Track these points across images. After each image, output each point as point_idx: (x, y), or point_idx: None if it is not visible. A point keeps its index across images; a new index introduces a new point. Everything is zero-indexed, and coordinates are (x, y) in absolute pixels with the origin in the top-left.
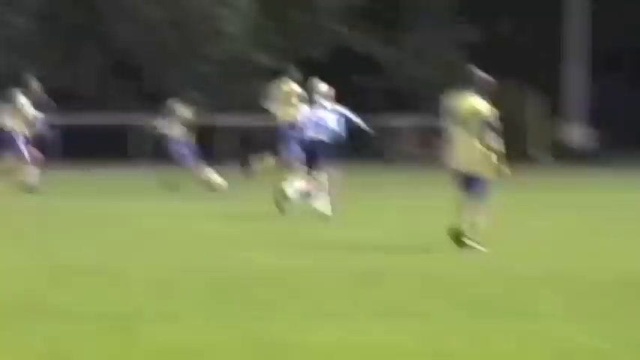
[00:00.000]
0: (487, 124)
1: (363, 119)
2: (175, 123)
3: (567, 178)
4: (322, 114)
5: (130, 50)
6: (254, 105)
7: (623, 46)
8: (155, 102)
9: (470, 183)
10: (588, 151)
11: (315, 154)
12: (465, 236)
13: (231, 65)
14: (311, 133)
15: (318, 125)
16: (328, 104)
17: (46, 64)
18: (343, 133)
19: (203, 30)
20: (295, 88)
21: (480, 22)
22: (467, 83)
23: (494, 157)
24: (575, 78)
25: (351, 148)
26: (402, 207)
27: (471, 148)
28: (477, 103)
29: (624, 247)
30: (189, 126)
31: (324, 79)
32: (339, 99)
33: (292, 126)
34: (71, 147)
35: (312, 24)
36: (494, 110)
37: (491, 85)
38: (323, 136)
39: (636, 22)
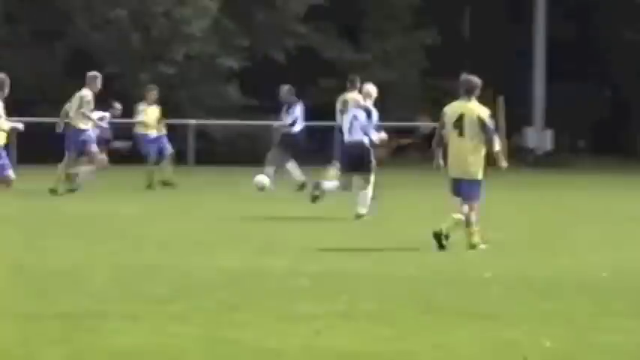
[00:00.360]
0: (485, 126)
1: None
2: (140, 123)
3: (525, 179)
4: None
5: (93, 51)
6: (217, 106)
7: (577, 50)
8: (119, 103)
9: (465, 187)
10: (544, 153)
11: (354, 157)
12: (446, 239)
13: (194, 66)
14: (348, 137)
15: (354, 128)
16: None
17: (8, 65)
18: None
19: (166, 31)
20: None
21: (441, 25)
22: (461, 88)
23: (496, 156)
24: (534, 80)
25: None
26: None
27: (467, 154)
28: (472, 107)
29: (582, 249)
30: (154, 126)
31: (287, 81)
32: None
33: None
34: (33, 148)
35: (275, 25)
36: (489, 111)
37: (478, 86)
38: (359, 138)
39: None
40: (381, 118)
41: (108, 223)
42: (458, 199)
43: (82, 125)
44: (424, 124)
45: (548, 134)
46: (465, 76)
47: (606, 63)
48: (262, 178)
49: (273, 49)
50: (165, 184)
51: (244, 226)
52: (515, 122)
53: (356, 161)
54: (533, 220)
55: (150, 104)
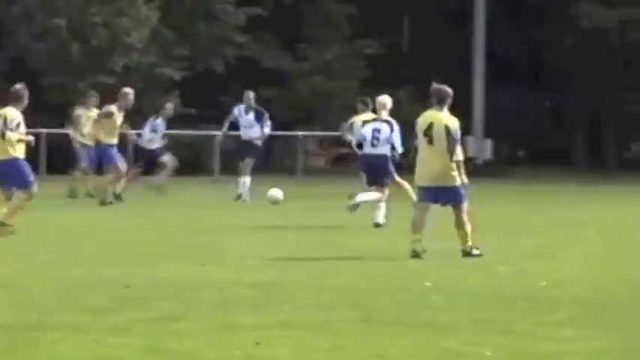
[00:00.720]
0: (449, 134)
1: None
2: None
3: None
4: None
5: (31, 60)
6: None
7: (516, 60)
8: (57, 113)
9: (447, 195)
10: (484, 162)
11: (376, 169)
12: (423, 248)
13: (134, 76)
14: (371, 149)
15: (377, 141)
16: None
17: None
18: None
19: (105, 41)
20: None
21: (381, 35)
22: (432, 97)
23: (457, 166)
24: (474, 90)
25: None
26: (309, 220)
27: (439, 162)
28: (441, 117)
29: (520, 258)
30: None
31: (226, 91)
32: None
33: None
34: None
35: (215, 35)
36: (457, 121)
37: (450, 95)
38: (382, 152)
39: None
40: (322, 127)
41: (50, 233)
42: (427, 205)
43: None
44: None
45: (488, 144)
46: (436, 86)
47: (546, 74)
48: (276, 192)
49: (213, 59)
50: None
51: (186, 237)
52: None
53: (378, 172)
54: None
55: (89, 109)
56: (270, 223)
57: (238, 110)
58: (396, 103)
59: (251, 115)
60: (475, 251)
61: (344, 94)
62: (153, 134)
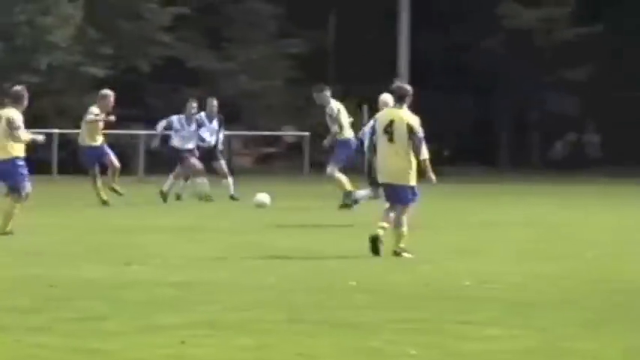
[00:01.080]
0: (413, 133)
1: (193, 132)
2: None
3: None
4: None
5: None
6: (82, 115)
7: (441, 60)
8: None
9: (396, 191)
10: None
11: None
12: (382, 243)
13: (58, 75)
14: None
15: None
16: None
17: None
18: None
19: (29, 40)
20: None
21: (306, 34)
22: (393, 95)
23: (424, 165)
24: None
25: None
26: (234, 219)
27: (397, 160)
28: (402, 115)
29: (444, 257)
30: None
31: (151, 90)
32: (168, 110)
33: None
34: None
35: (140, 35)
36: (418, 119)
37: (409, 93)
38: None
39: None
40: (248, 127)
41: None
42: (386, 206)
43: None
44: (288, 134)
45: None
46: (397, 84)
47: (471, 74)
48: (263, 197)
49: (138, 58)
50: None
51: (111, 237)
52: None
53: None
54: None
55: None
56: (194, 223)
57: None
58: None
59: (215, 123)
60: (405, 254)
61: (269, 93)
62: (180, 134)
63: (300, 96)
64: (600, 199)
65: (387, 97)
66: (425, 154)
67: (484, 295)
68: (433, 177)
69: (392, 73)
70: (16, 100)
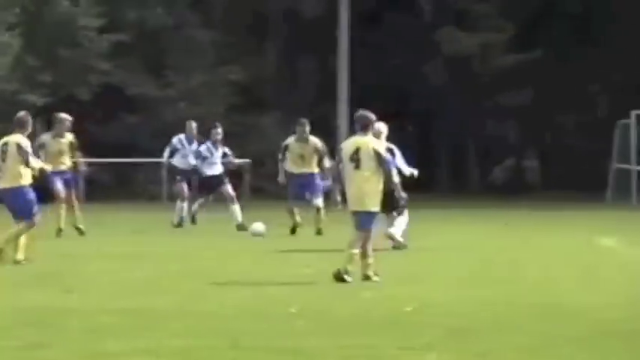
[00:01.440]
0: (381, 158)
1: (133, 158)
2: None
3: (331, 214)
4: None
5: None
6: None
7: (380, 86)
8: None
9: (360, 218)
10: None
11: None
12: (347, 272)
13: None
14: None
15: None
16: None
17: None
18: None
19: None
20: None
21: (246, 61)
22: (357, 124)
23: (395, 189)
24: (338, 116)
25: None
26: (175, 245)
27: (365, 186)
28: (368, 142)
29: (385, 283)
30: None
31: (89, 117)
32: (107, 138)
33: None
34: None
35: (79, 62)
36: (385, 145)
37: (373, 121)
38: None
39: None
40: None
41: None
42: (359, 233)
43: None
44: (229, 160)
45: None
46: (360, 113)
47: (409, 99)
48: (258, 227)
49: (77, 85)
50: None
51: (50, 264)
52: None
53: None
54: (338, 255)
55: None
56: (135, 250)
57: (179, 140)
58: (260, 129)
59: (194, 145)
60: (347, 277)
61: (209, 120)
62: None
63: (240, 123)
64: (539, 224)
65: (379, 126)
66: (396, 177)
67: (424, 321)
68: (403, 195)
69: (332, 98)
70: (20, 126)
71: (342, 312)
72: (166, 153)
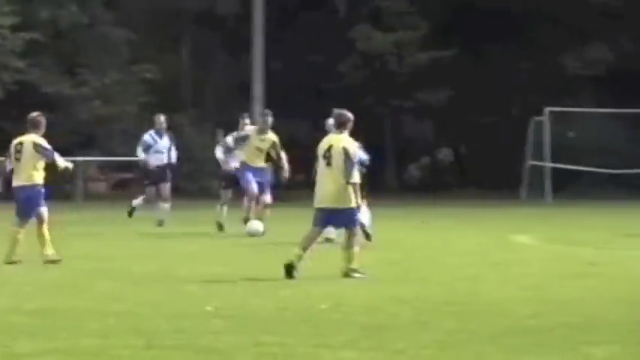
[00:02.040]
0: (347, 157)
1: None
2: None
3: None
4: None
5: None
6: None
7: (296, 85)
8: None
9: (337, 216)
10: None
11: None
12: (296, 269)
13: None
14: None
15: None
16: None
17: None
18: None
19: None
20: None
21: (161, 59)
22: (334, 122)
23: (353, 189)
24: (253, 115)
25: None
26: (89, 246)
27: (336, 184)
28: (340, 140)
29: (303, 281)
30: None
31: (4, 116)
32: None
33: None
34: None
35: None
36: (356, 145)
37: (350, 119)
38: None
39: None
40: (102, 152)
41: None
42: (317, 229)
43: None
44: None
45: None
46: (337, 111)
47: (326, 98)
48: (257, 225)
49: None
50: None
51: None
52: None
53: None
54: (258, 253)
55: None
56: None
57: (150, 136)
58: (176, 127)
59: (165, 140)
60: (356, 274)
61: (124, 118)
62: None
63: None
64: (455, 221)
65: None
66: (355, 178)
67: (341, 319)
68: (359, 201)
69: (247, 97)
70: (34, 126)
71: (258, 310)
72: (140, 151)
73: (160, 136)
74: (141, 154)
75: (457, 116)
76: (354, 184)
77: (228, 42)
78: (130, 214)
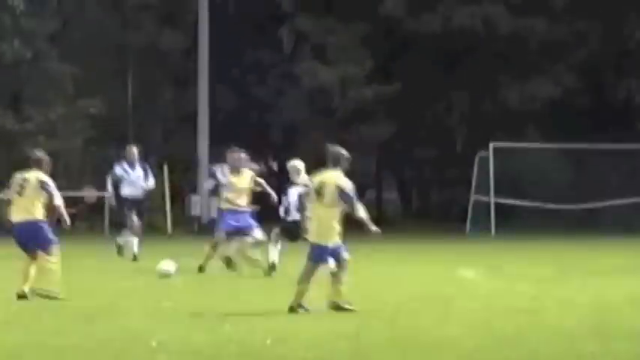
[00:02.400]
0: (344, 193)
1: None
2: None
3: (189, 247)
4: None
5: None
6: None
7: (241, 119)
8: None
9: (326, 253)
10: (209, 221)
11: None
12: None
13: None
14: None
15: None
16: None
17: None
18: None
19: None
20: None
21: (106, 94)
22: (328, 159)
23: (362, 222)
24: (199, 149)
25: None
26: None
27: (324, 219)
28: (333, 177)
29: (250, 315)
30: None
31: None
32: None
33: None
34: None
35: None
36: (349, 182)
37: (343, 157)
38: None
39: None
40: None
41: None
42: (309, 263)
43: None
44: (89, 194)
45: (214, 203)
46: (331, 148)
47: (270, 134)
48: (168, 265)
49: None
50: None
51: None
52: (181, 189)
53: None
54: (202, 287)
55: None
56: None
57: (122, 168)
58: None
59: (138, 170)
60: (349, 306)
61: (68, 153)
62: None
63: (100, 155)
64: (399, 256)
65: (296, 164)
66: (361, 211)
67: (284, 354)
68: (374, 228)
69: (193, 131)
70: (38, 166)
71: (202, 345)
72: (109, 185)
73: (133, 167)
74: (109, 188)
75: (401, 150)
76: (361, 218)
77: (173, 76)
78: (120, 252)
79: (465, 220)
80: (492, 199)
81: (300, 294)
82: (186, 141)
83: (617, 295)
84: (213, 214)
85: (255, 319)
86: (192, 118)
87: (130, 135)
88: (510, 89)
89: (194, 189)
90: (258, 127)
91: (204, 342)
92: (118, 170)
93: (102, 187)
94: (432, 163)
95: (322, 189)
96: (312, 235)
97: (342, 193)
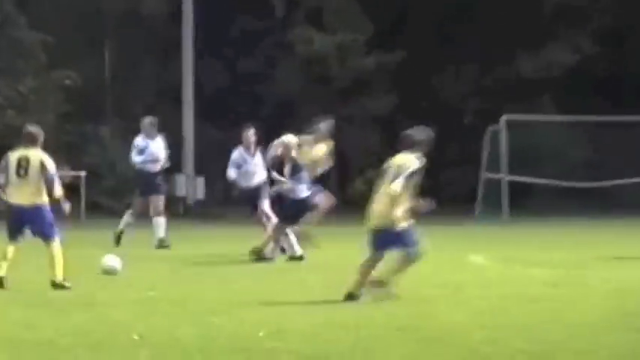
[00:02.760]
0: (403, 173)
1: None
2: None
3: (176, 232)
4: None
5: None
6: None
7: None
8: None
9: (388, 239)
10: (195, 202)
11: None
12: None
13: None
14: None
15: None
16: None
17: None
18: None
19: None
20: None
21: (82, 65)
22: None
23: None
24: (184, 125)
25: None
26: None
27: (383, 203)
28: (403, 158)
29: (238, 307)
30: None
31: None
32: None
33: None
34: None
35: None
36: (417, 162)
37: (423, 141)
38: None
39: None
40: None
41: None
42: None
43: None
44: (63, 173)
45: (201, 182)
46: (406, 132)
47: (262, 106)
48: (112, 261)
49: None
50: None
51: None
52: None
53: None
54: (186, 277)
55: None
56: None
57: (144, 140)
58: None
59: (159, 140)
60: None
61: (41, 129)
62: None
63: (75, 132)
64: None
65: (290, 138)
66: (395, 188)
67: (278, 347)
68: (425, 204)
69: (176, 105)
70: (34, 143)
71: (188, 339)
72: (134, 155)
73: (152, 137)
74: (136, 158)
75: (405, 125)
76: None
77: (155, 45)
78: (118, 240)
79: (473, 201)
80: (505, 177)
81: (361, 282)
82: (170, 115)
83: None
84: (200, 195)
85: (246, 309)
86: (176, 92)
87: (108, 110)
88: (523, 57)
89: (180, 168)
90: (248, 100)
91: (190, 335)
92: (139, 141)
93: (77, 166)
94: (438, 138)
95: (388, 170)
96: (375, 220)
97: (399, 170)
